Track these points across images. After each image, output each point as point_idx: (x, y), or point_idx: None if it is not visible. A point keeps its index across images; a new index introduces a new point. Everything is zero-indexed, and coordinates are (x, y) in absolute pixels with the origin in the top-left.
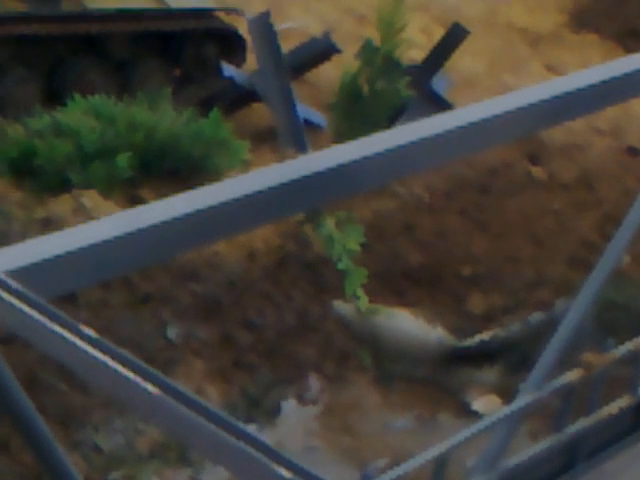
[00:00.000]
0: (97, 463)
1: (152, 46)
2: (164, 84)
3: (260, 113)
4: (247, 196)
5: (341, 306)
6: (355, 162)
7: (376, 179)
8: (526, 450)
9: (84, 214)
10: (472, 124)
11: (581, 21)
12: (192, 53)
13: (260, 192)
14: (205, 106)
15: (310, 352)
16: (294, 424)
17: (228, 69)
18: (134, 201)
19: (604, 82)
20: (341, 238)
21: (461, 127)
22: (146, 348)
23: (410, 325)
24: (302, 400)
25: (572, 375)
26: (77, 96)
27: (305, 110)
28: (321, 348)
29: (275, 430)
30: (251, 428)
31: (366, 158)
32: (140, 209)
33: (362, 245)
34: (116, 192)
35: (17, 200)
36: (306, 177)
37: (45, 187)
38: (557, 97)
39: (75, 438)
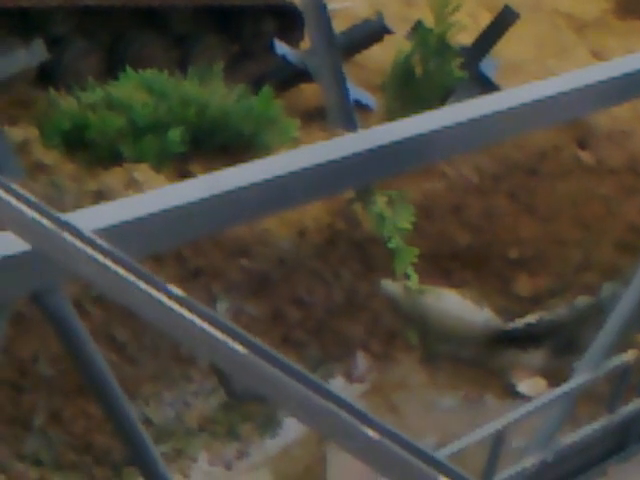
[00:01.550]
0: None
1: (212, 21)
2: (222, 60)
3: (309, 93)
4: (317, 166)
5: (389, 285)
6: (407, 140)
7: (428, 157)
8: (579, 430)
9: (136, 187)
10: (524, 104)
11: (627, 8)
12: (251, 29)
13: (323, 164)
14: (258, 83)
15: (358, 330)
16: None
17: (280, 47)
18: (184, 176)
19: None
20: (392, 217)
21: (513, 108)
22: None
23: (457, 306)
24: (349, 378)
25: (627, 356)
26: (129, 70)
27: (355, 91)
28: (369, 327)
29: None
30: None
31: (418, 136)
32: (222, 174)
33: (411, 225)
34: (167, 166)
35: (69, 172)
36: (359, 153)
37: (97, 160)
38: (614, 78)
39: None
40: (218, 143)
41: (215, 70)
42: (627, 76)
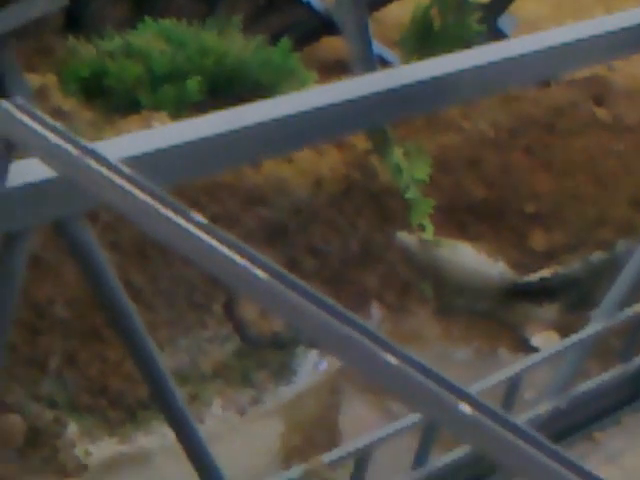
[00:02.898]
0: None
1: None
2: (248, 12)
3: (328, 46)
4: (344, 102)
5: (405, 237)
6: (425, 81)
7: (446, 99)
8: (593, 379)
9: None
10: (538, 51)
11: None
12: None
13: (353, 100)
14: (283, 36)
15: (372, 281)
16: None
17: None
18: None
19: None
20: (409, 168)
21: (529, 53)
22: None
23: (472, 259)
24: None
25: None
26: (148, 19)
27: (377, 46)
28: (383, 278)
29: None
30: (313, 354)
31: (436, 78)
32: (247, 108)
33: (428, 177)
34: (184, 115)
35: (87, 119)
36: (378, 93)
37: (115, 108)
38: (628, 28)
39: None
40: (236, 93)
41: (234, 21)
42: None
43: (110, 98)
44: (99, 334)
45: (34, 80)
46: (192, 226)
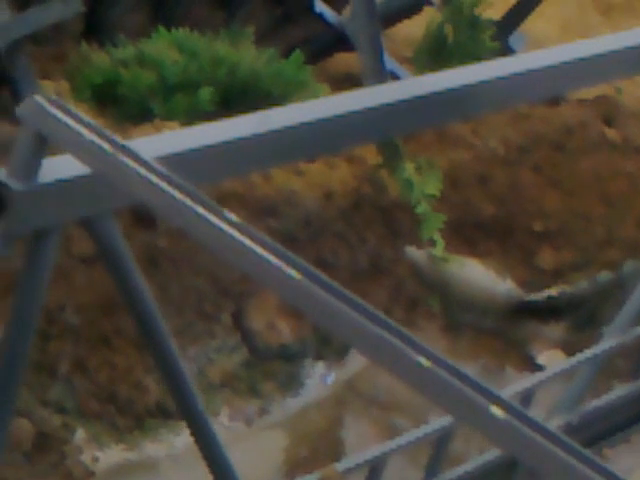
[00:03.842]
0: None
1: None
2: (265, 23)
3: (340, 61)
4: (357, 111)
5: (413, 252)
6: (443, 91)
7: (459, 111)
8: (604, 396)
9: None
10: (552, 66)
11: None
12: None
13: (369, 108)
14: (300, 48)
15: (381, 295)
16: (362, 365)
17: (319, 5)
18: None
19: None
20: (420, 183)
21: (543, 68)
22: (221, 279)
23: (480, 275)
24: None
25: None
26: (161, 29)
27: (390, 63)
28: (392, 292)
29: (343, 369)
30: (320, 366)
31: (453, 89)
32: (279, 110)
33: (439, 192)
34: (196, 125)
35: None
36: (402, 101)
37: (127, 116)
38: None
39: (149, 363)
40: (248, 104)
41: (247, 32)
42: None
43: (122, 106)
44: (109, 341)
45: (48, 86)
46: (226, 225)
